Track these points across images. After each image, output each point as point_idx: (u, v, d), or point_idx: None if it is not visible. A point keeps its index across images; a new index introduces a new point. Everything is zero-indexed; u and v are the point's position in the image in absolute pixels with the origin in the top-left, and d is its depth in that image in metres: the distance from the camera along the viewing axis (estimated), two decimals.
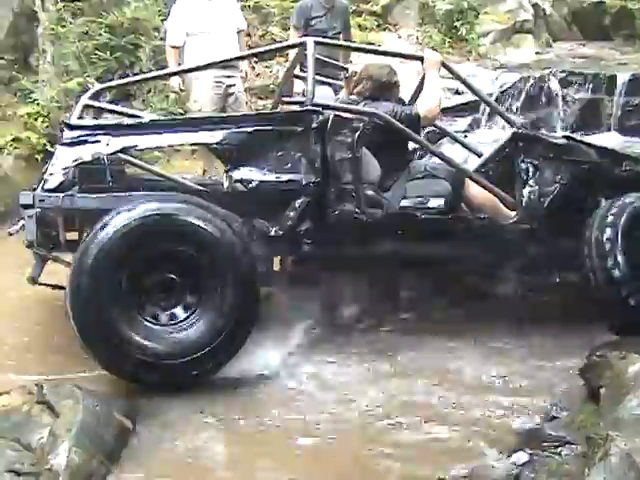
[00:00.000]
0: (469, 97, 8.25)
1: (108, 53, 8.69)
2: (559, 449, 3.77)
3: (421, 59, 5.56)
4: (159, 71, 7.40)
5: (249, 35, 8.81)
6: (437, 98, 5.39)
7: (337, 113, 5.03)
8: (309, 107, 4.98)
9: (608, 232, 5.10)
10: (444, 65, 5.56)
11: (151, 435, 3.99)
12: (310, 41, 5.30)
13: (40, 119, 8.36)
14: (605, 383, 4.04)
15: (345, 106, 5.32)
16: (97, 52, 8.69)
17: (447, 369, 4.85)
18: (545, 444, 3.86)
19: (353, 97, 5.55)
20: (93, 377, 4.50)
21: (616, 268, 5.02)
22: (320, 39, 5.88)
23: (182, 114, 8.04)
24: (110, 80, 7.69)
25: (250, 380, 4.58)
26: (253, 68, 9.27)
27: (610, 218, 5.14)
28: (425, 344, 5.13)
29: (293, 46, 6.17)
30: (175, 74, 7.40)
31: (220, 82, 7.65)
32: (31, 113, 8.40)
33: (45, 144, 8.31)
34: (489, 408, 4.33)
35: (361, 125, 4.99)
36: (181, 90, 7.83)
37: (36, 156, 8.10)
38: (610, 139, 8.70)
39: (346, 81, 5.85)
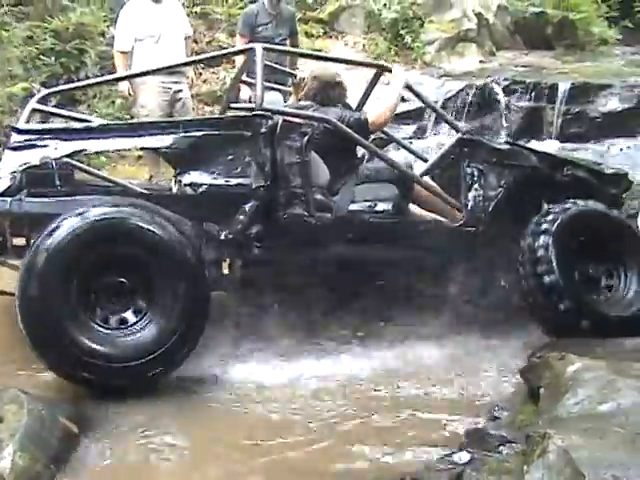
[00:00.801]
0: (415, 104, 8.38)
1: (53, 58, 8.67)
2: (500, 448, 3.81)
3: (389, 70, 5.71)
4: (107, 76, 7.39)
5: (196, 41, 8.83)
6: (391, 108, 5.49)
7: (286, 118, 5.06)
8: (258, 112, 5.01)
9: (541, 239, 5.20)
10: (408, 87, 5.69)
11: (97, 439, 3.95)
12: (258, 47, 5.33)
13: None
14: (545, 383, 4.12)
15: (294, 111, 5.36)
16: (42, 57, 8.66)
17: (391, 369, 4.91)
18: (487, 443, 3.92)
19: (302, 103, 5.59)
20: (38, 382, 4.49)
21: (547, 274, 5.12)
22: (268, 45, 5.93)
23: (128, 120, 8.02)
24: (55, 85, 7.66)
25: (199, 383, 4.60)
26: (200, 74, 9.28)
27: (544, 225, 5.25)
28: (370, 345, 5.21)
29: (241, 52, 6.19)
30: (123, 79, 7.39)
31: (167, 88, 7.66)
32: None
33: None
34: (432, 408, 4.40)
35: (310, 130, 5.03)
36: (130, 95, 7.80)
37: None
38: (551, 146, 8.84)
39: (294, 87, 5.91)
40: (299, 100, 5.66)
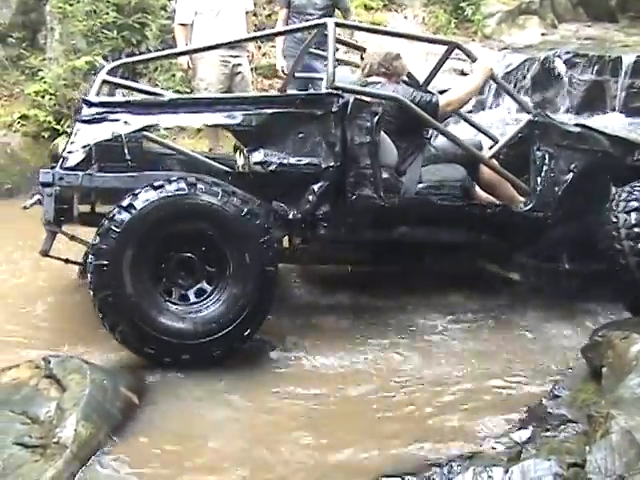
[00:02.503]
0: None
1: (115, 32, 8.73)
2: (561, 427, 3.80)
3: (474, 59, 5.63)
4: (173, 49, 7.41)
5: (255, 15, 8.81)
6: (462, 98, 5.45)
7: (357, 97, 5.00)
8: (330, 90, 4.97)
9: (634, 215, 5.13)
10: (492, 77, 5.66)
11: (157, 410, 4.01)
12: (330, 22, 5.29)
13: (47, 97, 8.41)
14: (607, 363, 4.08)
15: (365, 89, 5.28)
16: (104, 31, 8.72)
17: (453, 344, 4.94)
18: (547, 422, 3.91)
19: (370, 79, 5.52)
20: (101, 352, 4.56)
21: None
22: (341, 20, 5.87)
23: (188, 93, 8.07)
24: (118, 59, 7.71)
25: (260, 358, 4.64)
26: (259, 48, 9.28)
27: (635, 202, 5.17)
28: (434, 320, 5.23)
29: (312, 27, 6.13)
30: (188, 53, 7.36)
31: (226, 61, 7.67)
32: (38, 91, 8.47)
33: (52, 122, 8.35)
34: (492, 386, 4.38)
35: (380, 109, 4.99)
36: (189, 68, 7.83)
37: (43, 134, 8.14)
38: (615, 120, 8.70)
39: (363, 62, 5.86)
40: (368, 76, 5.56)
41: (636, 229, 5.10)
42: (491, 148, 5.64)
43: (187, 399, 4.14)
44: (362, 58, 5.80)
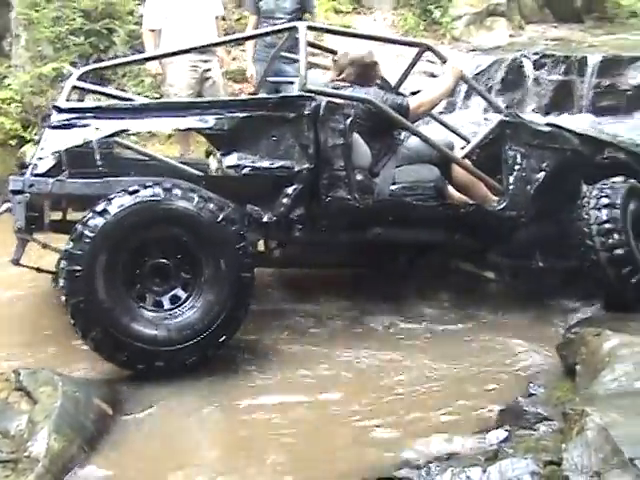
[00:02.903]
0: None
1: (82, 38, 8.68)
2: (537, 425, 3.82)
3: (442, 59, 5.66)
4: (143, 54, 7.36)
5: (224, 19, 8.79)
6: (433, 100, 5.48)
7: (330, 99, 5.00)
8: (302, 93, 4.97)
9: (608, 211, 5.19)
10: (463, 78, 5.69)
11: (131, 420, 3.96)
12: (302, 25, 5.29)
13: (14, 104, 8.34)
14: (580, 360, 4.12)
15: (338, 92, 5.29)
16: (71, 37, 8.66)
17: (426, 343, 4.95)
18: (523, 421, 3.92)
19: (341, 83, 5.52)
20: (73, 362, 4.50)
21: (619, 247, 5.11)
22: (312, 23, 5.87)
23: (158, 98, 8.04)
24: (85, 65, 7.66)
25: (236, 365, 4.60)
26: (229, 52, 9.26)
27: (607, 198, 5.23)
28: (405, 323, 5.23)
29: (283, 30, 6.12)
30: (159, 57, 7.33)
31: (196, 66, 7.66)
32: (5, 98, 8.40)
33: (18, 129, 8.28)
34: (468, 386, 4.39)
35: (353, 111, 5.00)
36: (158, 74, 7.80)
37: (10, 141, 8.07)
38: (582, 119, 8.78)
39: (334, 65, 5.86)
40: (337, 80, 5.55)
41: (607, 225, 5.15)
42: (463, 148, 5.67)
43: (162, 408, 4.09)
44: (334, 61, 5.80)
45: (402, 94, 5.79)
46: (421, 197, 5.22)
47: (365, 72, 5.51)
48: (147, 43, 7.76)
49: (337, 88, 5.40)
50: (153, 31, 7.69)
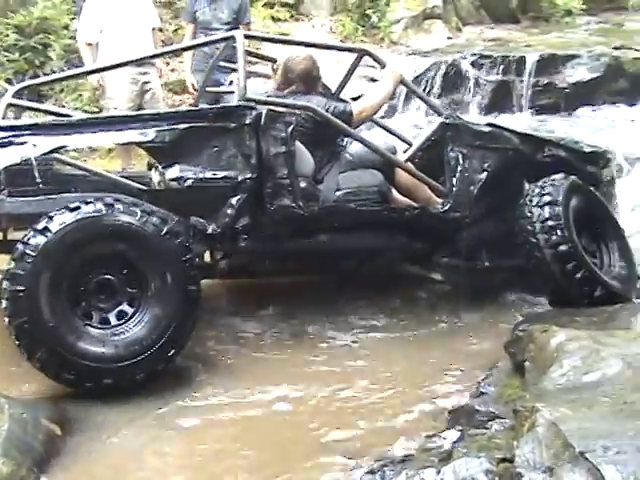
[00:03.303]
0: None
1: (17, 54, 8.55)
2: (489, 424, 3.85)
3: (382, 64, 5.64)
4: (78, 69, 7.28)
5: (161, 30, 8.74)
6: (375, 105, 5.46)
7: (270, 108, 4.99)
8: (242, 102, 4.95)
9: (550, 209, 5.25)
10: (402, 82, 5.68)
11: (81, 440, 3.89)
12: (239, 34, 5.28)
13: None
14: (529, 356, 4.15)
15: (278, 100, 5.27)
16: (5, 53, 8.54)
17: (378, 348, 4.95)
18: (475, 420, 3.94)
19: (284, 91, 5.48)
20: (19, 383, 4.40)
21: (563, 244, 5.17)
22: (249, 32, 5.85)
23: (97, 112, 7.96)
24: (21, 81, 7.56)
25: (186, 380, 4.56)
26: (167, 63, 9.21)
27: (549, 196, 5.29)
28: (353, 325, 5.24)
29: (221, 40, 6.10)
30: (97, 71, 7.24)
31: (135, 79, 7.60)
32: None
33: None
34: (420, 388, 4.40)
35: (294, 119, 4.99)
36: (97, 88, 7.72)
37: None
38: (522, 118, 8.88)
39: (274, 73, 5.85)
40: (280, 87, 5.53)
41: (549, 222, 5.21)
42: (406, 152, 5.70)
43: (112, 426, 4.03)
44: (274, 70, 5.80)
45: (344, 100, 5.79)
46: (365, 202, 5.23)
47: (308, 79, 5.50)
48: (85, 57, 7.68)
49: (280, 97, 5.38)
50: (90, 45, 7.62)
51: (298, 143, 5.06)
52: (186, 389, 4.44)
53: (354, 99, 5.96)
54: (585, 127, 8.27)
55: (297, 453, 3.77)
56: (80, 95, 8.59)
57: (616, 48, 9.48)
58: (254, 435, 3.97)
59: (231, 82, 5.99)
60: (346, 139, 5.60)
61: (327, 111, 5.20)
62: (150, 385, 4.33)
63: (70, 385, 4.27)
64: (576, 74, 9.23)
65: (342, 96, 6.04)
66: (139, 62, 7.03)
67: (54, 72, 8.24)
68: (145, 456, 3.83)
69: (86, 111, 8.11)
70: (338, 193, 5.24)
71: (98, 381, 4.23)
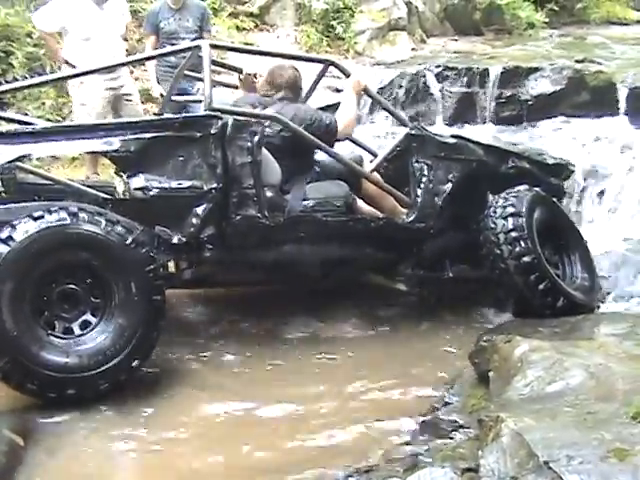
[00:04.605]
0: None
1: None
2: (453, 434, 3.87)
3: (346, 74, 5.65)
4: (42, 77, 7.19)
5: (126, 40, 8.68)
6: (355, 117, 5.52)
7: (236, 117, 4.98)
8: (208, 112, 4.94)
9: (513, 220, 5.30)
10: (367, 92, 5.71)
11: (44, 451, 3.87)
12: (205, 44, 5.28)
13: None
14: (493, 367, 4.18)
15: (243, 110, 5.26)
16: None
17: (342, 358, 4.98)
18: (440, 430, 3.96)
19: (271, 99, 5.48)
20: None
21: (526, 255, 5.20)
22: (215, 42, 5.83)
23: (60, 121, 7.89)
24: None
25: (149, 390, 4.54)
26: (132, 72, 9.15)
27: (513, 207, 5.34)
28: (316, 338, 5.26)
29: (187, 49, 6.08)
30: (64, 79, 7.16)
31: (109, 86, 7.50)
32: None
33: None
34: (384, 399, 4.44)
35: (260, 128, 4.98)
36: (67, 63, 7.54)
37: None
38: (486, 130, 8.93)
39: (241, 82, 5.84)
40: (266, 94, 5.52)
41: (513, 233, 5.26)
42: (371, 162, 5.72)
43: (75, 436, 4.01)
44: (240, 80, 5.81)
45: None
46: (331, 212, 5.24)
47: (295, 87, 5.52)
48: (51, 44, 7.57)
49: (268, 103, 5.37)
50: (48, 34, 7.52)
51: (265, 152, 5.06)
52: (150, 399, 4.42)
53: (321, 109, 5.96)
54: (547, 139, 8.33)
55: (261, 465, 3.77)
56: (43, 103, 8.49)
57: (578, 61, 9.56)
58: (218, 446, 3.96)
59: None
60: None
61: (317, 121, 5.21)
62: (114, 395, 4.31)
63: (33, 395, 4.24)
64: (539, 86, 9.28)
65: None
66: (110, 69, 6.95)
67: (16, 80, 8.13)
68: (109, 467, 3.82)
69: (49, 119, 8.02)
70: (304, 203, 5.23)
71: (61, 391, 4.21)
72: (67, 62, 7.34)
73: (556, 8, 13.57)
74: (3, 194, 4.74)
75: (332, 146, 5.37)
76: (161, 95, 7.73)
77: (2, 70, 8.54)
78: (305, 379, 4.72)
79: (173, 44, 7.51)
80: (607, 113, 8.49)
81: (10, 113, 7.63)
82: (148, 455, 3.92)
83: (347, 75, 5.68)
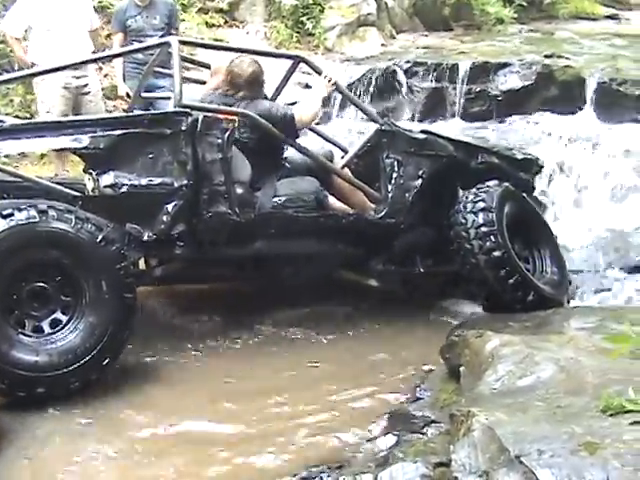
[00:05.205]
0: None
1: None
2: (425, 428, 3.89)
3: (317, 71, 5.65)
4: (10, 74, 7.13)
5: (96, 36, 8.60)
6: (316, 111, 5.48)
7: (206, 114, 4.97)
8: (178, 109, 4.93)
9: (483, 215, 5.32)
10: (337, 88, 5.71)
11: (13, 449, 3.85)
12: (174, 40, 5.27)
13: None
14: (464, 361, 4.20)
15: (215, 107, 5.24)
16: None
17: (313, 352, 5.02)
18: (411, 425, 3.97)
19: (232, 96, 5.43)
20: None
21: (496, 249, 5.23)
22: (184, 38, 5.80)
23: (28, 118, 7.82)
24: None
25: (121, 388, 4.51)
26: (100, 69, 9.09)
27: (482, 203, 5.36)
28: (289, 334, 5.28)
29: (156, 46, 6.05)
30: (31, 76, 7.10)
31: (69, 83, 7.45)
32: None
33: None
34: (355, 395, 4.43)
35: (230, 125, 4.97)
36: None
37: None
38: (455, 126, 8.95)
39: (210, 77, 5.81)
40: (226, 92, 5.46)
41: (483, 229, 5.29)
42: (342, 158, 5.72)
43: (46, 435, 3.99)
44: (212, 75, 5.78)
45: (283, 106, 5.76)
46: (302, 209, 5.24)
47: (256, 84, 5.45)
48: (16, 50, 7.52)
49: (229, 103, 5.32)
50: (18, 39, 7.47)
51: (235, 149, 5.05)
52: (119, 399, 4.41)
53: (290, 104, 5.96)
54: (517, 134, 8.37)
55: (229, 465, 3.77)
56: (11, 100, 8.41)
57: (547, 56, 9.59)
58: (187, 447, 3.95)
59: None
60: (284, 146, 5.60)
61: (273, 114, 5.20)
62: (84, 394, 4.29)
63: (3, 394, 4.23)
64: (508, 82, 9.30)
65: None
66: (74, 66, 6.90)
67: None
68: (80, 466, 3.78)
69: (17, 117, 7.94)
70: (275, 199, 5.22)
71: (31, 390, 4.19)
72: (34, 64, 7.28)
73: (524, 3, 13.57)
74: None
75: (294, 138, 5.36)
76: (127, 94, 7.69)
77: None
78: (269, 373, 4.76)
79: (141, 41, 7.46)
80: (575, 108, 8.53)
81: None
82: (122, 454, 3.89)
83: (318, 72, 5.67)
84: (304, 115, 5.36)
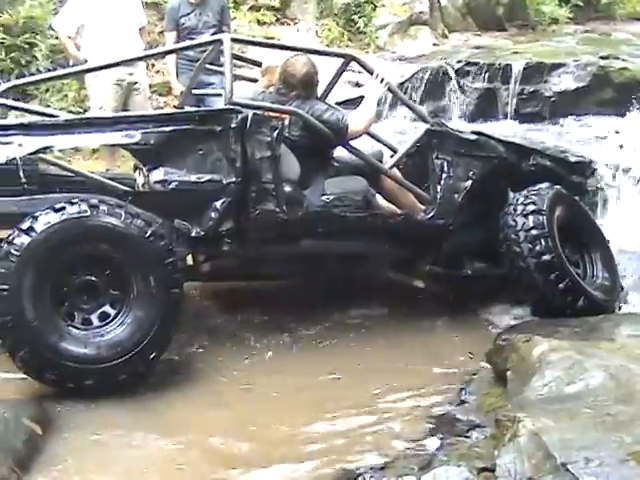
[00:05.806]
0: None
1: (3, 53, 8.48)
2: (469, 432, 3.86)
3: (370, 71, 5.55)
4: (64, 70, 7.21)
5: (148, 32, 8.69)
6: (370, 119, 5.38)
7: (256, 112, 4.96)
8: (228, 106, 4.94)
9: (534, 218, 5.26)
10: (388, 88, 5.65)
11: (61, 441, 3.90)
12: (226, 38, 5.27)
13: None
14: (511, 366, 4.16)
15: (265, 104, 5.24)
16: None
17: (359, 353, 4.99)
18: (456, 428, 3.95)
19: (271, 91, 5.45)
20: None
21: (546, 253, 5.17)
22: (236, 35, 5.81)
23: (82, 113, 7.91)
24: (7, 80, 7.49)
25: (168, 382, 4.55)
26: (153, 65, 9.17)
27: (533, 205, 5.30)
28: (337, 335, 5.23)
29: (208, 43, 6.08)
30: (84, 72, 7.18)
31: (121, 79, 7.53)
32: None
33: None
34: (400, 397, 4.41)
35: (280, 123, 4.97)
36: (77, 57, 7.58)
37: None
38: (507, 127, 8.88)
39: (262, 76, 5.81)
40: (280, 92, 5.41)
41: (533, 232, 5.23)
42: (391, 158, 5.69)
43: (93, 426, 4.04)
44: (262, 73, 5.78)
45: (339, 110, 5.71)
46: (350, 208, 5.22)
47: (310, 84, 5.39)
48: (70, 49, 7.61)
49: (282, 101, 5.29)
50: (70, 37, 7.56)
51: (284, 147, 5.04)
52: (166, 391, 4.45)
53: (339, 104, 5.94)
54: (570, 136, 8.27)
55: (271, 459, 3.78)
56: (65, 95, 8.53)
57: (603, 57, 9.47)
58: (233, 440, 3.96)
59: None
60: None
61: (325, 118, 5.17)
62: (131, 387, 4.33)
63: (52, 385, 4.29)
64: (562, 83, 9.21)
65: (327, 101, 6.00)
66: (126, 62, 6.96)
67: (40, 72, 8.16)
68: (125, 456, 3.84)
69: (71, 111, 8.05)
70: (323, 198, 5.22)
71: (80, 382, 4.25)
72: (87, 61, 7.35)
73: (581, 3, 13.44)
74: (25, 186, 4.75)
75: (344, 145, 5.33)
76: (181, 93, 7.74)
77: (26, 62, 8.58)
78: (314, 373, 4.74)
79: (193, 39, 7.53)
80: (632, 110, 8.41)
81: (33, 105, 7.67)
82: (169, 445, 3.94)
83: (369, 71, 5.63)
84: (359, 125, 5.27)
